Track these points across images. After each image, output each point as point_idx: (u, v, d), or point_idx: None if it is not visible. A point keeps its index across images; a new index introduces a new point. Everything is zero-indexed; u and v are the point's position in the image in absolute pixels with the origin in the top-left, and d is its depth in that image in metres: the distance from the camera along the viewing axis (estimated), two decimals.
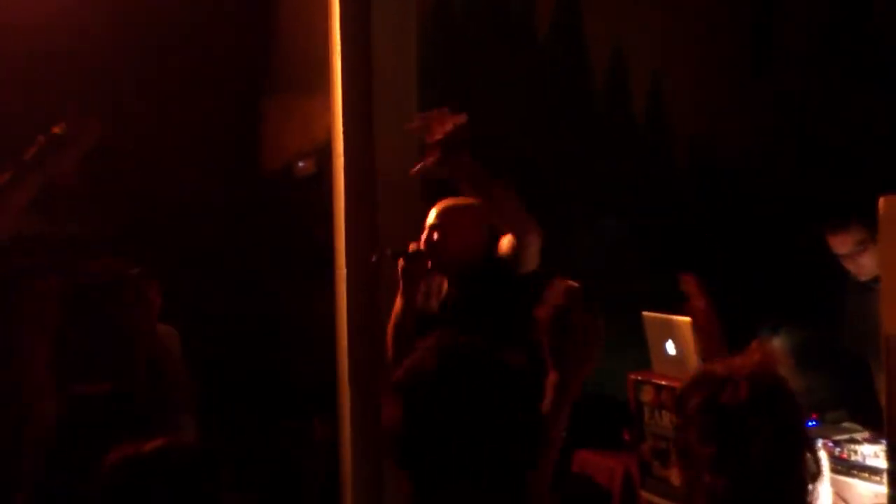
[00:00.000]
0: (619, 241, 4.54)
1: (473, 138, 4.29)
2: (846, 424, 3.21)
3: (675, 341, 3.24)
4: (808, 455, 1.74)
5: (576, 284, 1.88)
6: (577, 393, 1.81)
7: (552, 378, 1.80)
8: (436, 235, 3.03)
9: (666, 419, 3.10)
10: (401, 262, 3.00)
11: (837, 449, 2.90)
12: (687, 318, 2.97)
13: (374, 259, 3.15)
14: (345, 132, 3.95)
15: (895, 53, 4.55)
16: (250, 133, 5.20)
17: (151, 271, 3.50)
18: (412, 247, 3.03)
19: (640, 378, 3.28)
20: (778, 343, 4.24)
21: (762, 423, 1.70)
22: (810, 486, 1.74)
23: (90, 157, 2.16)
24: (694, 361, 3.04)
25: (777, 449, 1.70)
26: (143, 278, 3.36)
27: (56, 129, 2.07)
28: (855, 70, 4.71)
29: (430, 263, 3.00)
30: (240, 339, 4.44)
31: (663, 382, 3.18)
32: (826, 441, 2.92)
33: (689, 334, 2.99)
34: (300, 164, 4.64)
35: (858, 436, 3.03)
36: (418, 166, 3.01)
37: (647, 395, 3.21)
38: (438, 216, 3.07)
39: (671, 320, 3.27)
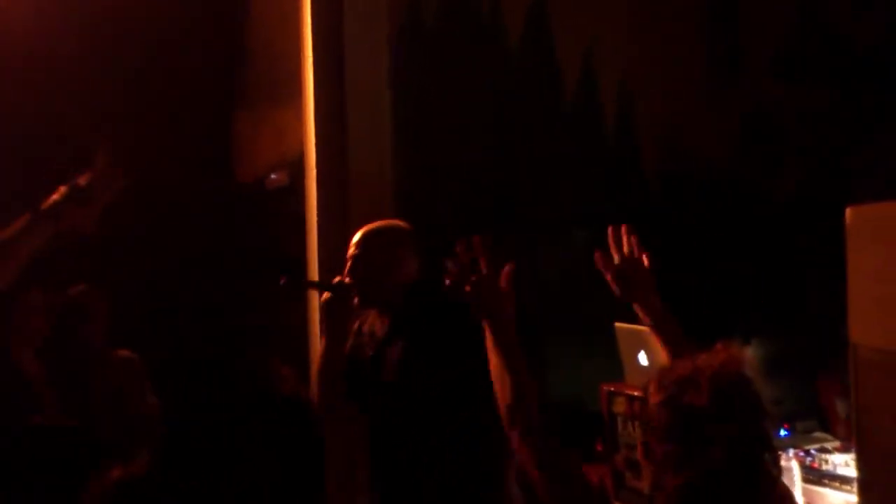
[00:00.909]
0: (588, 251, 4.55)
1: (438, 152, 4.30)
2: (817, 434, 3.23)
3: (648, 352, 3.24)
4: (768, 456, 1.74)
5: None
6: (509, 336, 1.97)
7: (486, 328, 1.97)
8: (359, 265, 2.72)
9: (639, 430, 3.10)
10: (324, 297, 2.73)
11: (808, 458, 2.91)
12: None
13: (282, 282, 2.80)
14: (317, 144, 3.95)
15: (863, 56, 4.60)
16: (223, 145, 5.17)
17: (103, 291, 3.48)
18: (336, 279, 2.73)
19: (612, 389, 3.28)
20: (749, 352, 4.27)
21: (724, 423, 1.70)
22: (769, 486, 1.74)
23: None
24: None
25: (738, 450, 1.70)
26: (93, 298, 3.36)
27: (81, 181, 1.98)
28: (822, 74, 4.76)
29: (356, 298, 2.69)
30: (210, 352, 4.40)
31: (636, 393, 3.19)
32: (797, 451, 2.93)
33: (660, 345, 2.99)
34: (272, 175, 4.62)
35: (829, 445, 3.05)
36: None
37: (619, 406, 3.21)
38: (360, 243, 2.76)
39: (643, 331, 3.27)
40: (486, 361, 1.98)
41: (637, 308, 2.25)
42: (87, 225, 1.95)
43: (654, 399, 1.76)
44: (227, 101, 5.14)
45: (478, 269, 2.00)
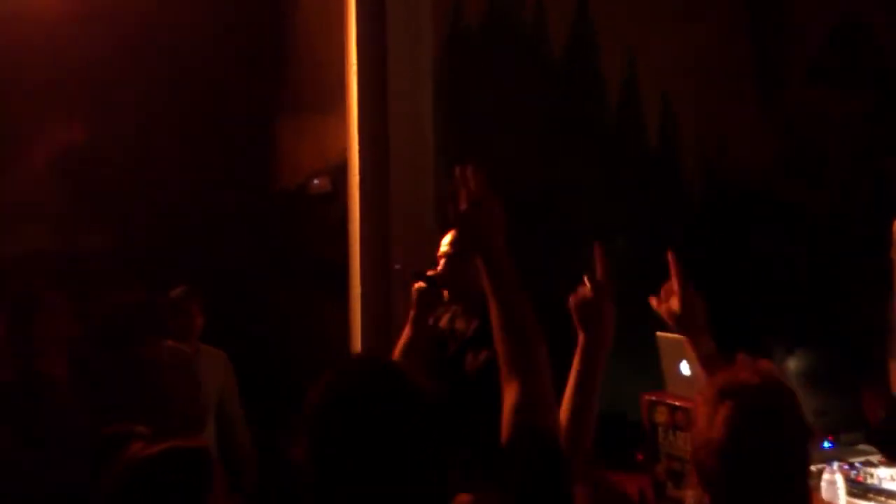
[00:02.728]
0: (630, 261, 4.54)
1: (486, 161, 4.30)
2: (862, 446, 3.19)
3: (690, 361, 3.23)
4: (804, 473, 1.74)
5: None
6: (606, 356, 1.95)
7: (582, 342, 1.94)
8: (453, 263, 2.96)
9: (680, 440, 3.08)
10: (417, 286, 2.91)
11: (853, 472, 2.88)
12: None
13: (395, 267, 3.13)
14: (360, 151, 3.98)
15: None
16: (266, 150, 5.23)
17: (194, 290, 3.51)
18: (430, 272, 2.95)
19: (654, 399, 3.27)
20: (793, 364, 4.23)
21: (760, 439, 1.70)
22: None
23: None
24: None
25: (777, 466, 1.70)
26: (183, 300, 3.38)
27: None
28: (863, 81, 4.72)
29: (446, 292, 2.92)
30: (252, 357, 4.45)
31: (677, 403, 3.17)
32: (842, 463, 2.90)
33: None
34: (315, 181, 4.66)
35: (874, 458, 3.01)
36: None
37: (661, 416, 3.20)
38: (454, 242, 3.00)
39: (685, 340, 3.26)
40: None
41: (689, 345, 2.23)
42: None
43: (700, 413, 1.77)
44: (272, 108, 5.20)
45: (473, 194, 1.82)
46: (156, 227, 4.82)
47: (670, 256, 2.30)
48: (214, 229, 4.86)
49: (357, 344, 3.90)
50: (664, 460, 3.20)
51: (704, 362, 2.19)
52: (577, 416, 1.90)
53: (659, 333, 3.40)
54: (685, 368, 3.25)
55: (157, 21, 4.63)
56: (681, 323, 2.23)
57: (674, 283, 2.28)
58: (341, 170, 4.14)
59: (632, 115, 4.69)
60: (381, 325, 3.78)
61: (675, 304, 2.25)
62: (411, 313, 2.90)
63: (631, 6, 4.63)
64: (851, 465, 2.92)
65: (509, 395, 1.61)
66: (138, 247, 4.75)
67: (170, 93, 4.82)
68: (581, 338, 1.98)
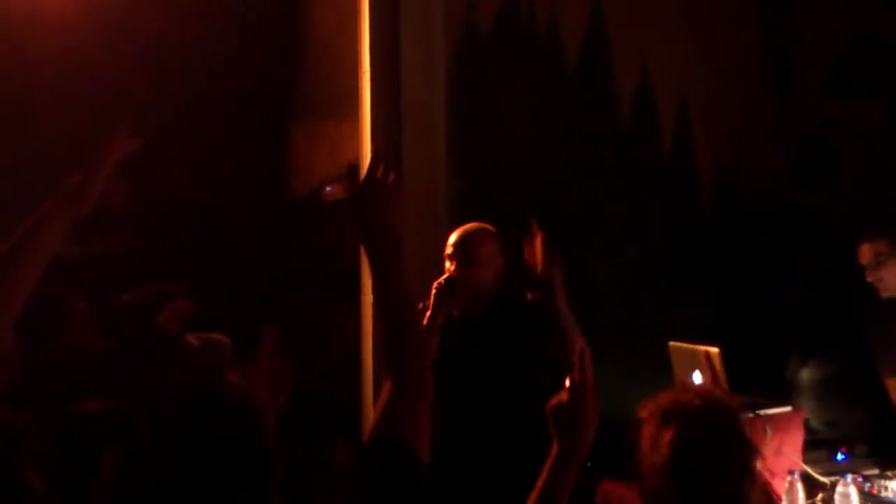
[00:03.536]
0: (643, 269, 4.52)
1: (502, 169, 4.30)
2: (874, 458, 3.17)
3: (703, 371, 3.21)
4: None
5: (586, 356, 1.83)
6: (578, 468, 1.79)
7: (554, 450, 1.78)
8: (466, 263, 3.08)
9: None
10: (437, 286, 2.98)
11: (867, 484, 2.85)
12: (715, 349, 2.95)
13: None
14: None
15: None
16: (280, 157, 5.24)
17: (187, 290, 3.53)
18: (447, 273, 3.06)
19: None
20: (806, 375, 4.21)
21: (704, 461, 1.73)
22: None
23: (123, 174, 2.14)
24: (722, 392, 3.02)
25: (721, 486, 1.71)
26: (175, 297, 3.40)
27: (93, 161, 2.05)
28: (878, 90, 4.70)
29: (458, 292, 3.00)
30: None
31: None
32: (855, 476, 2.87)
33: (717, 364, 2.97)
34: (328, 188, 4.67)
35: (889, 471, 2.99)
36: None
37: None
38: (468, 243, 3.12)
39: (698, 350, 3.25)
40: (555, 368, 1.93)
41: None
42: (116, 201, 2.00)
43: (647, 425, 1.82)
44: (286, 115, 5.22)
45: (370, 169, 1.69)
46: (169, 232, 4.84)
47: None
48: (228, 235, 4.87)
49: (368, 351, 3.90)
50: None
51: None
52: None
53: (672, 343, 3.39)
54: (698, 378, 3.24)
55: (170, 28, 4.65)
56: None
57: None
58: (354, 175, 4.14)
59: (646, 122, 4.68)
60: None
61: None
62: (428, 312, 2.91)
63: (644, 14, 4.62)
64: (866, 478, 2.90)
65: (383, 392, 1.51)
66: (151, 252, 4.76)
67: (183, 100, 4.84)
68: (554, 446, 1.79)
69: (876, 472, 2.97)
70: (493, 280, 3.13)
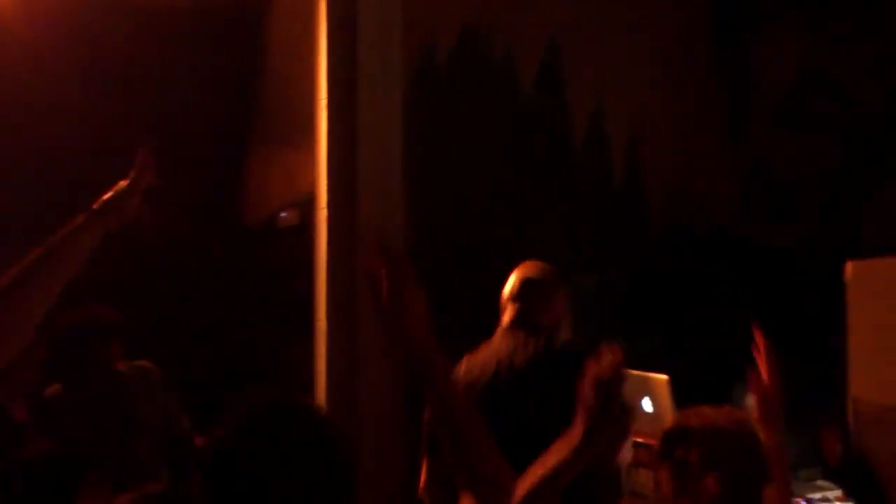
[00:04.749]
0: (594, 299, 4.59)
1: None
2: (819, 482, 3.24)
3: (652, 398, 3.26)
4: None
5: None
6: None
7: (575, 435, 1.58)
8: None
9: (643, 476, 3.11)
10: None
11: None
12: (663, 377, 3.01)
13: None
14: (328, 184, 4.00)
15: (868, 110, 4.68)
16: (235, 183, 5.24)
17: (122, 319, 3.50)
18: None
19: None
20: (752, 401, 4.27)
21: (709, 477, 1.80)
22: None
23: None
24: (670, 419, 3.07)
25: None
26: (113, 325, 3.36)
27: (123, 182, 2.07)
28: (827, 127, 4.83)
29: None
30: (216, 390, 4.43)
31: (640, 440, 3.20)
32: (800, 499, 2.94)
33: (665, 392, 3.02)
34: (283, 214, 4.67)
35: (831, 494, 3.05)
36: None
37: (624, 453, 3.23)
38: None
39: (649, 378, 3.30)
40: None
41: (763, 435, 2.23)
42: (132, 217, 2.04)
43: (659, 443, 1.87)
44: (242, 141, 5.22)
45: (394, 285, 1.61)
46: (120, 257, 4.80)
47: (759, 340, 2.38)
48: (181, 261, 4.84)
49: (322, 379, 3.90)
50: (627, 497, 3.22)
51: (774, 451, 2.23)
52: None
53: None
54: (648, 405, 3.29)
55: (126, 54, 4.64)
56: (763, 409, 2.34)
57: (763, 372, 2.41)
58: (310, 203, 4.15)
59: (598, 153, 4.76)
60: (346, 361, 3.78)
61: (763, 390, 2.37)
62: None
63: (599, 44, 4.72)
64: (809, 502, 2.96)
65: None
66: (101, 276, 4.72)
67: (138, 124, 4.82)
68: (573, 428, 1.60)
69: (819, 495, 3.03)
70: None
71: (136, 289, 4.60)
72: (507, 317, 2.78)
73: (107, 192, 2.06)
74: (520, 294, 2.78)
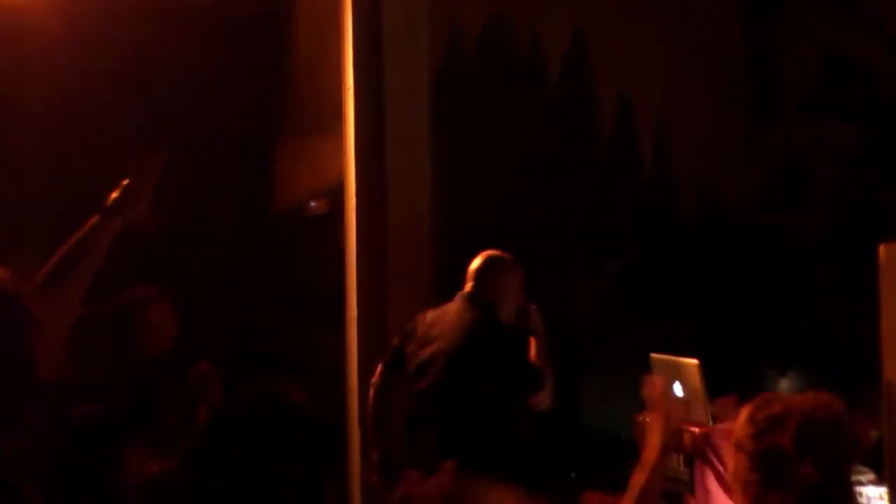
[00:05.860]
0: (624, 285, 4.59)
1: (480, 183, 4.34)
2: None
3: (683, 383, 3.25)
4: (846, 499, 1.81)
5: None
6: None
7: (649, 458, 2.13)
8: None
9: (674, 460, 3.11)
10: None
11: None
12: (694, 361, 3.00)
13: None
14: (357, 173, 4.02)
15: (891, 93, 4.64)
16: (265, 173, 5.27)
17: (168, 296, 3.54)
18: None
19: (647, 420, 3.29)
20: (784, 385, 4.27)
21: (804, 465, 1.78)
22: None
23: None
24: (702, 403, 3.06)
25: (815, 492, 1.78)
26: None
27: (125, 181, 2.10)
28: (855, 112, 4.79)
29: None
30: (248, 379, 4.47)
31: None
32: None
33: (696, 376, 3.02)
34: (312, 203, 4.70)
35: (864, 478, 3.04)
36: None
37: None
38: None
39: (679, 362, 3.29)
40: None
41: None
42: (145, 211, 2.07)
43: (744, 431, 1.85)
44: (270, 131, 5.25)
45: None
46: (151, 248, 4.84)
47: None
48: (212, 251, 4.88)
49: (353, 367, 3.93)
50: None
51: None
52: None
53: (653, 354, 3.44)
54: (678, 389, 3.28)
55: (155, 45, 4.68)
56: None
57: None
58: (338, 192, 4.18)
59: (626, 141, 4.75)
60: (376, 348, 3.81)
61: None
62: None
63: (626, 32, 4.71)
64: None
65: None
66: (133, 267, 4.77)
67: (168, 116, 4.86)
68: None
69: (852, 478, 3.02)
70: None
71: (167, 279, 4.64)
72: (466, 287, 3.36)
73: (114, 191, 2.07)
74: (476, 272, 3.36)
